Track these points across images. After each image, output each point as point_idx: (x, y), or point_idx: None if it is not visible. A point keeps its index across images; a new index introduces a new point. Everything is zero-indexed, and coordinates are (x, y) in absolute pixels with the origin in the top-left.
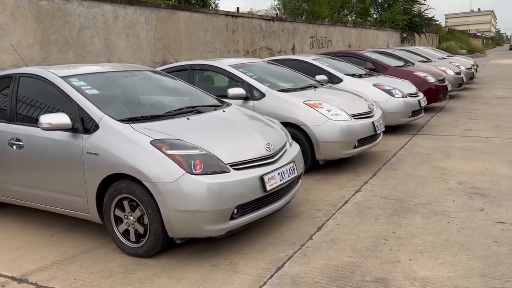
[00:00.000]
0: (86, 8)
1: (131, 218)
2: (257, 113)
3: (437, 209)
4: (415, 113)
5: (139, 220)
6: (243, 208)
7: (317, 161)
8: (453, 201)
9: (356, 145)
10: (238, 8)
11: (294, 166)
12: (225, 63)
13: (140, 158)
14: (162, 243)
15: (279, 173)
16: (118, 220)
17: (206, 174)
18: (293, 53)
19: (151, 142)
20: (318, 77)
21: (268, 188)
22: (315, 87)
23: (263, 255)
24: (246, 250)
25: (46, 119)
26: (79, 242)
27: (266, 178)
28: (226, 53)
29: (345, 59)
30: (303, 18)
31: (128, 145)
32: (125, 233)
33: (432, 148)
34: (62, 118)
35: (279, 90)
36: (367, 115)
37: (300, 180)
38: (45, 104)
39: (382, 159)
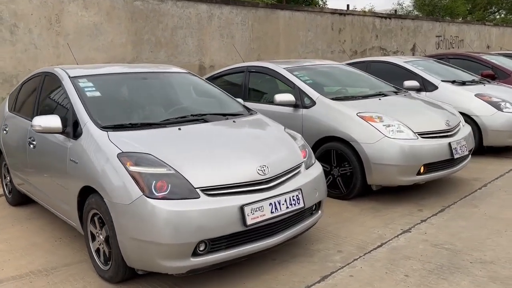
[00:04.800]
0: (180, 8)
1: (101, 237)
2: (279, 125)
3: (501, 274)
4: None
5: (107, 240)
6: (214, 244)
7: (369, 186)
8: None
9: (421, 170)
10: (348, 6)
11: (299, 195)
12: (281, 65)
13: (105, 171)
14: (124, 271)
15: (271, 204)
16: (93, 237)
17: (167, 199)
18: (413, 54)
19: (117, 155)
20: (407, 83)
21: (250, 221)
22: (385, 95)
23: None
24: None
25: (38, 121)
26: (74, 251)
27: (247, 208)
28: (329, 53)
29: (459, 63)
30: (433, 15)
31: (98, 156)
32: (98, 252)
33: None
34: (52, 121)
35: (332, 98)
36: (442, 133)
37: (320, 212)
38: (54, 104)
39: (464, 189)
